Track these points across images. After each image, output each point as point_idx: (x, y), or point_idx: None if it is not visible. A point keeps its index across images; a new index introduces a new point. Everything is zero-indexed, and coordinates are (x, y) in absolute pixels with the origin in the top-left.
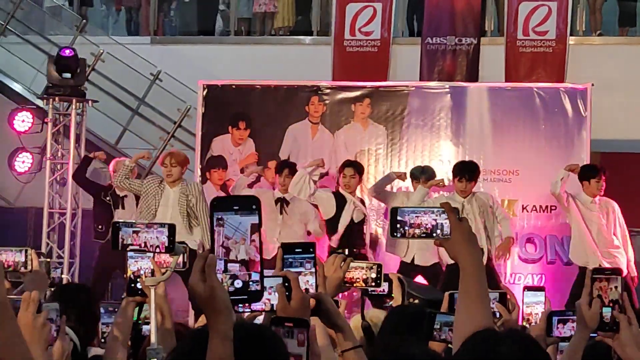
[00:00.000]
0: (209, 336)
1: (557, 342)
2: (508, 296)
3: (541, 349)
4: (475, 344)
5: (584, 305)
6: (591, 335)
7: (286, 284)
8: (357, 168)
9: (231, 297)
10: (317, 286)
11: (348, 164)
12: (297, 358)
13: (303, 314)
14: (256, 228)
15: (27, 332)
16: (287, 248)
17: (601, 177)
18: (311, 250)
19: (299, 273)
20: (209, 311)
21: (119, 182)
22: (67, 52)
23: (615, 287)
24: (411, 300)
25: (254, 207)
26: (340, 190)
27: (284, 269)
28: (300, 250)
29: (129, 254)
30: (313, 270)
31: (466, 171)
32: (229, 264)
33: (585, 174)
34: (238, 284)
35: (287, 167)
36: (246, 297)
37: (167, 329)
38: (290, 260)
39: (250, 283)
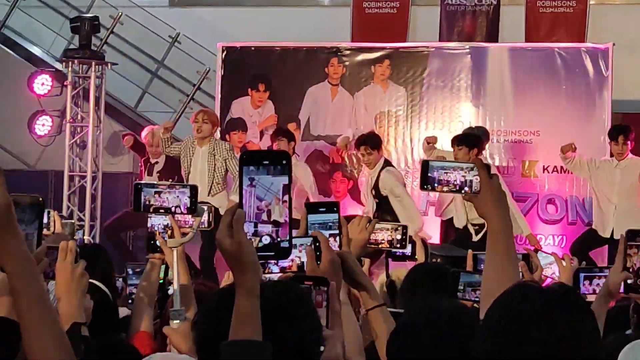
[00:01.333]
0: (236, 292)
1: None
2: (531, 257)
3: (581, 297)
4: (515, 297)
5: (616, 271)
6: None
7: (316, 244)
8: (372, 142)
9: (258, 254)
10: (340, 246)
11: (362, 141)
12: None
13: (333, 275)
14: (287, 188)
15: (66, 282)
16: (311, 207)
17: (622, 137)
18: (335, 209)
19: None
20: (235, 267)
21: (167, 152)
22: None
23: None
24: (433, 260)
25: (284, 162)
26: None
27: (309, 230)
28: (324, 209)
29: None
30: (337, 231)
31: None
32: (259, 226)
33: (611, 133)
34: (266, 239)
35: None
36: (274, 253)
37: (184, 286)
38: (313, 223)
39: (278, 239)
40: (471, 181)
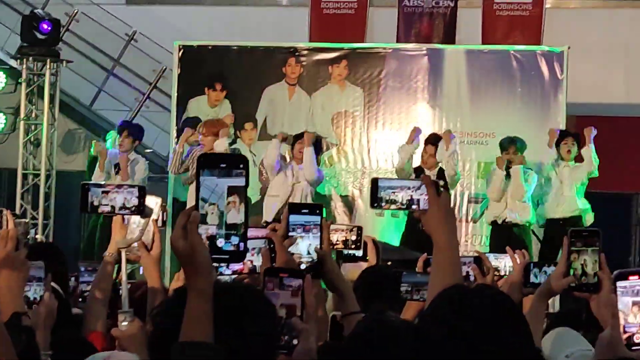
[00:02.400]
0: (188, 294)
1: (532, 292)
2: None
3: (511, 302)
4: (444, 299)
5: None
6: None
7: (271, 245)
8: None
9: (213, 256)
10: (321, 247)
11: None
12: (291, 308)
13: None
14: (244, 192)
15: (6, 270)
16: (294, 208)
17: (569, 142)
18: (318, 211)
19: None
20: (188, 269)
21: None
22: (41, 12)
23: (594, 249)
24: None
25: (241, 165)
26: None
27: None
28: (306, 211)
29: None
30: (318, 234)
31: None
32: (214, 229)
33: (558, 138)
34: (220, 242)
35: None
36: (227, 256)
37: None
38: (294, 223)
39: (233, 242)
40: (418, 200)
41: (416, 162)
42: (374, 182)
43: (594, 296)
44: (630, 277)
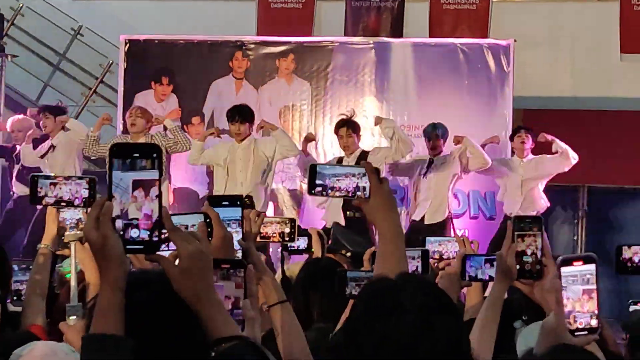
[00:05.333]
0: (100, 286)
1: (470, 285)
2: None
3: (441, 292)
4: (372, 292)
5: (503, 256)
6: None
7: (207, 220)
8: (353, 127)
9: (127, 247)
10: (243, 239)
11: (342, 123)
12: (235, 300)
13: (226, 252)
14: (158, 182)
15: None
16: (214, 200)
17: (522, 134)
18: (238, 203)
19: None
20: (100, 260)
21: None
22: None
23: (537, 235)
24: (343, 252)
25: (155, 155)
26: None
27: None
28: (227, 203)
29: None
30: (239, 229)
31: None
32: (127, 220)
33: (512, 133)
34: (135, 233)
35: None
36: (142, 247)
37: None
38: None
39: (148, 233)
40: (364, 187)
41: None
42: (312, 168)
43: (536, 283)
44: (575, 263)
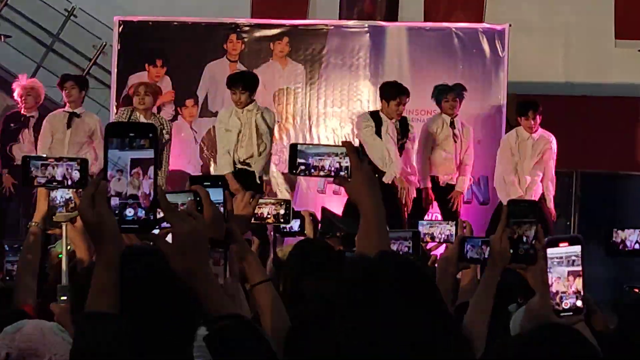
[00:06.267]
0: (95, 263)
1: (467, 266)
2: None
3: (418, 270)
4: (351, 270)
5: (497, 240)
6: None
7: (197, 198)
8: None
9: (122, 226)
10: (225, 220)
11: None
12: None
13: (215, 230)
14: (154, 162)
15: None
16: (195, 180)
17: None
18: (220, 183)
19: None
20: (96, 239)
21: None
22: None
23: (532, 221)
24: (338, 234)
25: (150, 135)
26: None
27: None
28: (208, 183)
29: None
30: (221, 205)
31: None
32: (122, 198)
33: (520, 110)
34: (130, 212)
35: None
36: (137, 226)
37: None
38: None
39: (142, 212)
40: (346, 167)
41: None
42: (293, 147)
43: (530, 268)
44: (561, 244)
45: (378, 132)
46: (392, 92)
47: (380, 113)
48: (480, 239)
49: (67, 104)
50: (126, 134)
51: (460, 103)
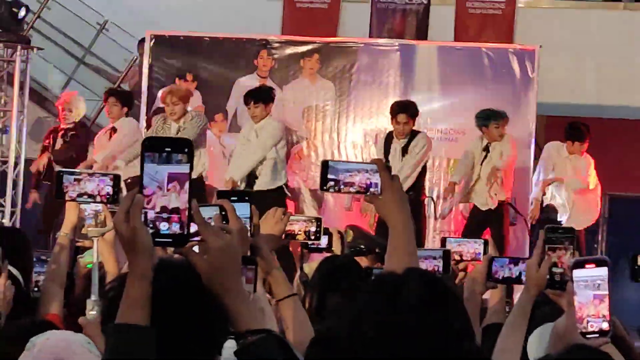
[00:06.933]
0: (128, 276)
1: (495, 286)
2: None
3: (444, 284)
4: (375, 285)
5: (533, 265)
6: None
7: (223, 213)
8: (413, 112)
9: (156, 240)
10: (252, 235)
11: (401, 108)
12: None
13: (241, 245)
14: (188, 176)
15: None
16: (222, 195)
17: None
18: (247, 198)
19: None
20: (130, 252)
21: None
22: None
23: (568, 247)
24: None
25: (186, 150)
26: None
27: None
28: (235, 198)
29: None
30: (247, 219)
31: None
32: (157, 212)
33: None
34: (164, 226)
35: None
36: (170, 240)
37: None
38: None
39: (176, 226)
40: (376, 184)
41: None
42: (324, 164)
43: (564, 293)
44: (587, 266)
45: (387, 151)
46: (393, 109)
47: (393, 132)
48: (508, 259)
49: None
50: (162, 148)
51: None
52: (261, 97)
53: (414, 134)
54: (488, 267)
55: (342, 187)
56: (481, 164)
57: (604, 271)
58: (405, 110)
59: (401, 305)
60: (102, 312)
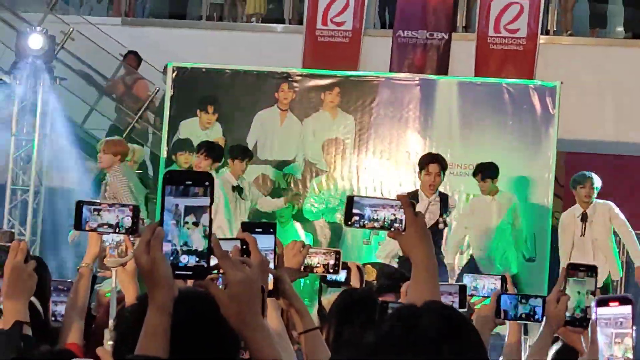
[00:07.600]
0: (148, 308)
1: (503, 324)
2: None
3: (462, 318)
4: (393, 316)
5: (552, 302)
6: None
7: (244, 246)
8: (444, 165)
9: (176, 272)
10: (275, 267)
11: (432, 158)
12: None
13: (261, 277)
14: (208, 209)
15: (14, 280)
16: (247, 227)
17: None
18: (271, 230)
19: None
20: (149, 283)
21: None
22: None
23: (589, 284)
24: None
25: (207, 183)
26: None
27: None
28: (260, 230)
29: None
30: (272, 252)
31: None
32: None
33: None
34: (184, 259)
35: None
36: (191, 272)
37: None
38: None
39: (197, 259)
40: (400, 219)
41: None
42: (349, 199)
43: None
44: (611, 303)
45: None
46: (423, 159)
47: (419, 190)
48: (517, 296)
49: None
50: (182, 181)
51: None
52: (210, 152)
53: (441, 196)
54: (496, 303)
55: (366, 222)
56: None
57: (628, 309)
58: (437, 160)
59: (419, 337)
60: (114, 343)
